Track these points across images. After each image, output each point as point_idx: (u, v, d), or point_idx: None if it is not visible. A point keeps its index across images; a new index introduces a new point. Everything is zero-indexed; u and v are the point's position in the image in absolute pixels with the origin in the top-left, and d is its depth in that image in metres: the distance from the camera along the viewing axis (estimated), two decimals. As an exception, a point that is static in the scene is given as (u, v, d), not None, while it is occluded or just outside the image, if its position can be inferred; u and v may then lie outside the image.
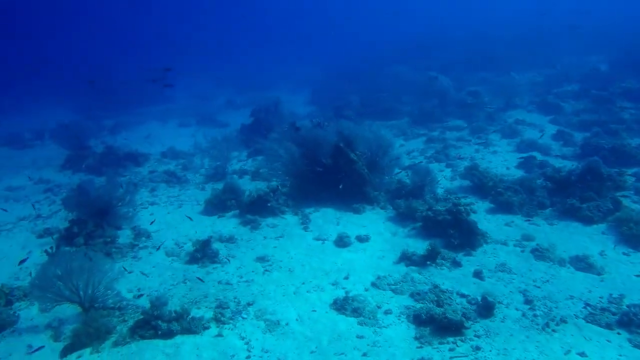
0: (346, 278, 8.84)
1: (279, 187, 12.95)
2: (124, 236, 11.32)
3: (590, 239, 9.97)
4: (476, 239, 9.97)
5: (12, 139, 25.37)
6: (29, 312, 8.20)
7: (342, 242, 10.33)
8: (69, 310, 7.94)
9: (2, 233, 12.27)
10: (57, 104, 36.90)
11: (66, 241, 10.77)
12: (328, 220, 11.78)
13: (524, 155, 15.33)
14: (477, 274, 8.72)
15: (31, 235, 11.93)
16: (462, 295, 8.06)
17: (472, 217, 10.35)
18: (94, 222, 11.10)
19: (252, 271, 9.32)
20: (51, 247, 10.09)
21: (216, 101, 36.81)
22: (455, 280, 8.63)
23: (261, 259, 9.78)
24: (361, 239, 10.47)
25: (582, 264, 8.86)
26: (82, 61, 47.52)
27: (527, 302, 7.75)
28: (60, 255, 8.14)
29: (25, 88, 40.58)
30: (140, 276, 9.27)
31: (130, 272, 9.32)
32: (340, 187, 12.34)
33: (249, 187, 13.72)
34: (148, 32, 75.48)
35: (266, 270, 9.31)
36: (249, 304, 8.07)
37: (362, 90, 28.25)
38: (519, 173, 14.03)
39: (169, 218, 12.62)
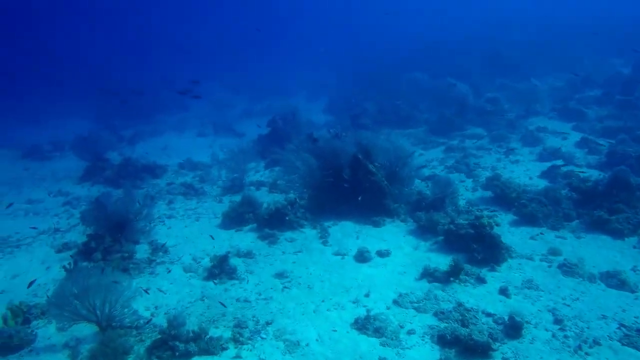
0: (367, 295, 8.59)
1: (297, 200, 12.75)
2: (142, 251, 11.23)
3: (620, 254, 9.58)
4: (500, 253, 9.63)
5: (32, 151, 25.69)
6: (46, 331, 8.10)
7: (362, 257, 10.07)
8: (86, 329, 7.84)
9: (22, 247, 12.30)
10: (71, 113, 37.35)
11: (84, 256, 10.70)
12: (347, 234, 11.55)
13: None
14: (503, 291, 8.40)
15: (50, 249, 11.90)
16: (488, 314, 7.75)
17: (496, 230, 10.04)
18: (111, 237, 11.05)
19: (271, 288, 9.12)
20: (69, 263, 10.03)
21: (232, 109, 36.95)
22: (480, 297, 8.33)
23: (280, 275, 9.58)
24: (382, 254, 10.21)
25: (613, 280, 8.48)
26: (93, 69, 48.12)
27: (557, 321, 7.41)
28: (77, 272, 8.02)
29: (37, 96, 41.03)
30: (158, 293, 9.14)
31: (147, 290, 9.18)
32: (359, 199, 12.10)
33: (267, 199, 13.56)
34: (160, 39, 76.10)
35: (285, 287, 9.11)
36: (267, 323, 7.87)
37: (377, 96, 27.98)
38: (543, 183, 13.64)
39: (187, 232, 12.52)
